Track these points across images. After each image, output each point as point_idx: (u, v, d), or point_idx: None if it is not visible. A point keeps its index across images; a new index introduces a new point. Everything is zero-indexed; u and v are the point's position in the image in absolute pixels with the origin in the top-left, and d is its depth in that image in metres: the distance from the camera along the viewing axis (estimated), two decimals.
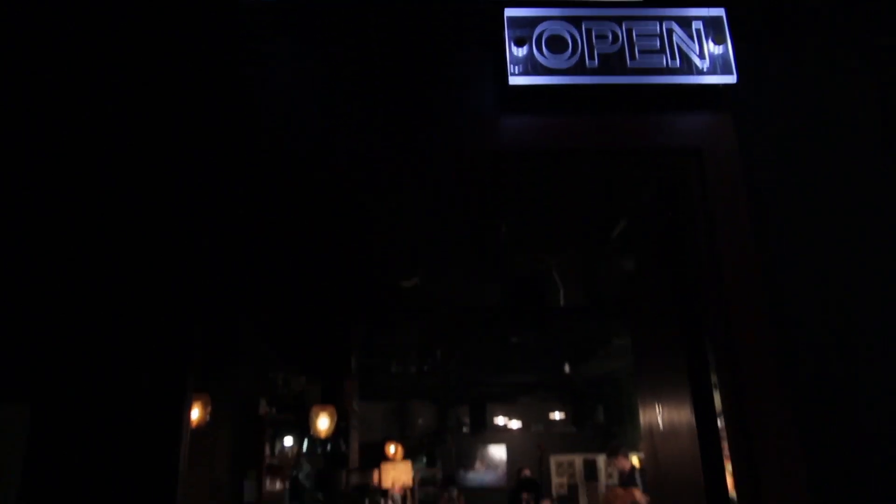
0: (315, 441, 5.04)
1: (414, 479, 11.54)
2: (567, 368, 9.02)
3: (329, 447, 5.00)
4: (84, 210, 1.67)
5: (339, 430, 4.94)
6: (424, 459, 11.93)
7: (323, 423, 4.19)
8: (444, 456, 12.27)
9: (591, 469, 9.44)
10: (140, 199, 1.69)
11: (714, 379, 1.96)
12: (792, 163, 1.84)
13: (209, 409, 3.58)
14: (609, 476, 9.41)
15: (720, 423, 1.95)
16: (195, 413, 3.39)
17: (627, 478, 7.83)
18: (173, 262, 1.64)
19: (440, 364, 9.97)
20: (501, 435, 12.34)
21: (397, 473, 9.00)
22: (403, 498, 8.55)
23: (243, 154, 1.81)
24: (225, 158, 1.78)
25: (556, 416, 11.46)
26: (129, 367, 1.57)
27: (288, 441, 5.02)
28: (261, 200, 3.23)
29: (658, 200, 2.03)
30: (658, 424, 2.37)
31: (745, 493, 1.63)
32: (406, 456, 10.21)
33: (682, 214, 1.92)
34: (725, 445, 1.85)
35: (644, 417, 2.56)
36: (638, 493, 7.45)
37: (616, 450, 8.24)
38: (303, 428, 4.97)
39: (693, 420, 1.98)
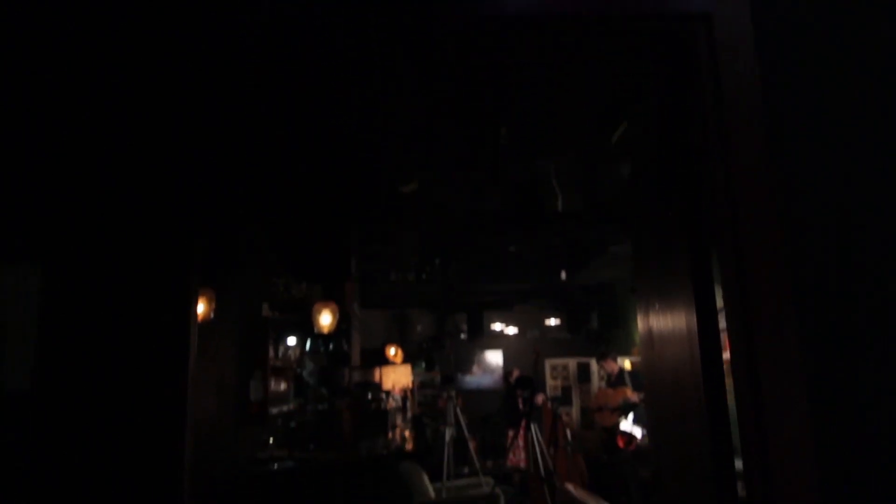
0: (318, 340, 5.21)
1: (413, 382, 12.00)
2: (563, 276, 9.19)
3: (331, 346, 5.18)
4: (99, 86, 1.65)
5: (340, 330, 5.10)
6: (423, 364, 12.35)
7: (325, 319, 4.32)
8: (442, 361, 12.67)
9: (584, 372, 9.82)
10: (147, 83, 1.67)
11: (716, 282, 1.90)
12: (808, 34, 1.65)
13: (213, 304, 3.68)
14: (601, 378, 9.79)
15: (721, 325, 1.87)
16: (200, 307, 3.48)
17: (616, 379, 8.18)
18: (177, 151, 1.65)
19: (439, 272, 10.14)
20: (498, 341, 12.71)
21: (397, 376, 9.34)
22: (404, 399, 8.89)
23: (234, 46, 1.78)
24: (217, 53, 1.74)
25: (552, 322, 11.78)
26: (138, 240, 1.60)
27: (291, 341, 5.19)
28: (259, 100, 3.20)
29: (662, 84, 1.97)
30: (656, 329, 2.32)
31: (745, 394, 1.59)
32: (406, 361, 10.55)
33: (688, 96, 1.83)
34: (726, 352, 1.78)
35: (642, 322, 2.50)
36: (629, 391, 7.79)
37: (605, 354, 8.57)
38: (305, 329, 5.12)
39: (694, 323, 1.94)
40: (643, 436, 6.19)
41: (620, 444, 6.47)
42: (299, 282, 5.70)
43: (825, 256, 1.49)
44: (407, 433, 5.29)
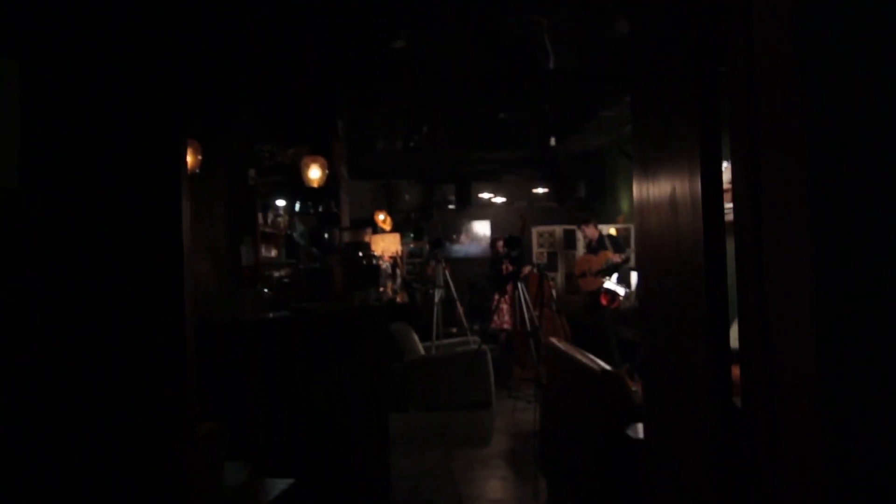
0: (307, 202, 5.21)
1: (402, 251, 12.21)
2: (553, 142, 9.10)
3: (321, 208, 5.19)
4: None
5: (329, 191, 5.09)
6: (412, 235, 12.49)
7: (314, 173, 4.28)
8: (430, 231, 12.80)
9: (570, 239, 9.97)
10: None
11: (724, 146, 1.77)
12: None
13: (199, 158, 3.62)
14: (585, 245, 9.97)
15: (725, 195, 1.78)
16: (189, 159, 3.43)
17: (597, 244, 8.36)
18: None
19: (426, 140, 10.00)
20: (485, 210, 12.81)
21: (386, 244, 9.46)
22: (393, 266, 9.05)
23: None
24: None
25: (539, 191, 11.82)
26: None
27: (280, 202, 5.18)
28: None
29: None
30: (654, 191, 2.27)
31: (746, 253, 1.53)
32: (394, 230, 10.64)
33: None
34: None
35: (638, 184, 2.44)
36: (610, 254, 8.00)
37: (587, 220, 8.68)
38: (294, 192, 5.10)
39: (697, 182, 1.86)
40: (626, 294, 6.42)
41: (603, 301, 6.72)
42: (286, 147, 5.60)
43: (840, 100, 1.33)
44: (399, 297, 5.45)
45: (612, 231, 9.39)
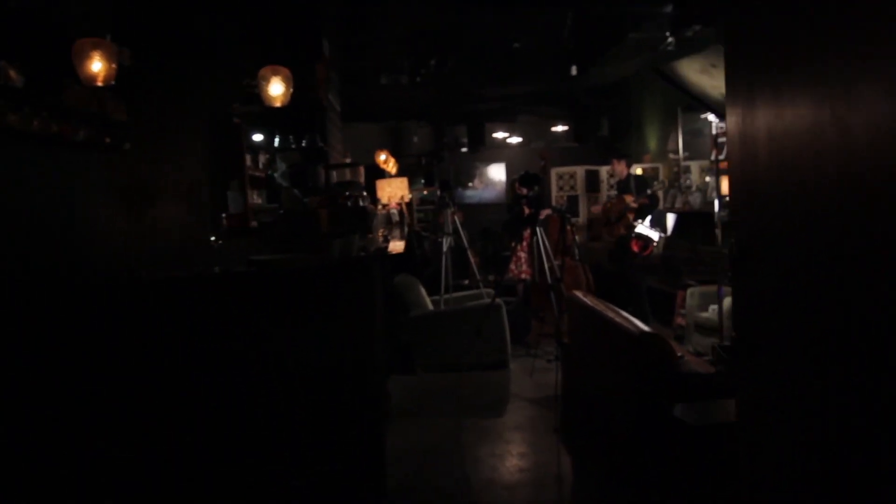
0: (288, 137, 4.47)
1: (411, 197, 11.49)
2: (573, 71, 8.19)
3: (304, 142, 4.46)
4: None
5: (313, 122, 4.35)
6: (423, 180, 11.74)
7: (275, 88, 3.51)
8: (441, 175, 12.05)
9: (592, 181, 9.17)
10: None
11: None
12: None
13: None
14: (611, 187, 9.15)
15: None
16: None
17: (623, 184, 7.55)
18: None
19: (434, 74, 9.13)
20: (500, 153, 11.97)
21: (393, 189, 8.73)
22: (400, 213, 8.36)
23: None
24: None
25: (559, 128, 10.91)
26: None
27: (258, 137, 4.45)
28: None
29: None
30: (757, 127, 1.87)
31: None
32: (403, 175, 9.90)
33: None
34: None
35: (732, 121, 2.04)
36: (629, 199, 7.21)
37: (620, 156, 7.84)
38: (272, 124, 4.37)
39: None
40: (660, 240, 5.65)
41: (635, 248, 5.95)
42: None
43: None
44: (401, 244, 4.74)
45: (639, 171, 8.58)
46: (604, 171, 9.03)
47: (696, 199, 7.40)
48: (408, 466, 3.65)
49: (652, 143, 9.30)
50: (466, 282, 6.96)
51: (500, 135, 11.33)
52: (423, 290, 5.94)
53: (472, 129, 11.50)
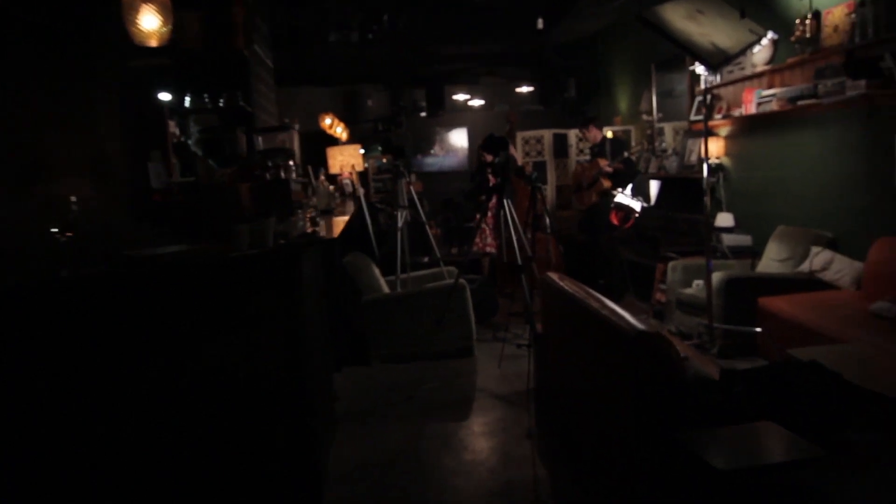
0: (202, 95, 3.72)
1: (370, 166, 10.73)
2: (540, 24, 7.50)
3: (222, 101, 3.71)
4: None
5: (235, 79, 3.61)
6: (379, 148, 10.98)
7: (148, 21, 2.70)
8: (399, 142, 11.32)
9: (561, 144, 8.56)
10: None
11: None
12: None
13: None
14: (580, 152, 8.57)
15: None
16: None
17: (598, 149, 7.00)
18: None
19: (387, 31, 8.34)
20: (462, 117, 11.26)
21: (345, 158, 8.01)
22: (352, 184, 7.66)
23: None
24: None
25: (523, 89, 10.23)
26: None
27: (165, 96, 3.69)
28: None
29: None
30: None
31: None
32: (358, 142, 9.16)
33: None
34: None
35: None
36: (603, 163, 6.66)
37: (588, 120, 7.31)
38: (183, 79, 3.61)
39: None
40: (641, 210, 5.06)
41: (615, 220, 5.38)
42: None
43: None
44: (342, 220, 4.05)
45: (609, 134, 8.02)
46: (572, 134, 8.43)
47: (672, 164, 6.87)
48: (355, 486, 3.05)
49: (623, 103, 8.72)
50: (426, 259, 6.34)
51: (461, 97, 10.60)
52: (376, 271, 5.30)
53: (431, 91, 10.75)
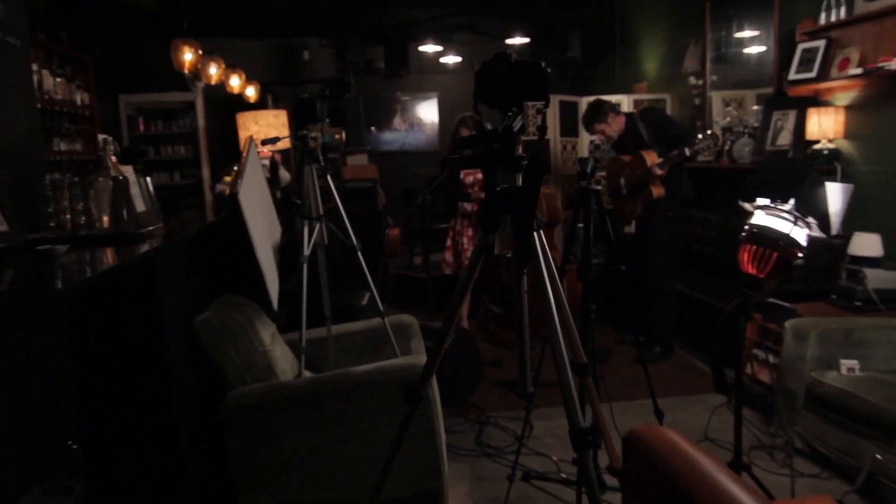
0: None
1: (317, 143, 8.34)
2: None
3: None
4: None
5: None
6: (327, 120, 8.53)
7: None
8: (351, 112, 8.93)
9: (569, 118, 6.24)
10: None
11: None
12: None
13: None
14: (594, 145, 6.18)
15: None
16: None
17: (632, 136, 4.55)
18: None
19: None
20: (432, 81, 8.83)
21: (262, 129, 5.56)
22: (272, 166, 5.27)
23: None
24: None
25: (515, 41, 7.78)
26: None
27: None
28: None
29: None
30: None
31: None
32: (298, 113, 6.71)
33: None
34: None
35: None
36: (651, 158, 4.32)
37: (607, 111, 4.59)
38: None
39: None
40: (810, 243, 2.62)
41: (748, 265, 2.77)
42: None
43: None
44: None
45: (625, 106, 5.75)
46: (583, 102, 6.00)
47: (742, 150, 4.58)
48: None
49: (650, 64, 6.41)
50: (367, 297, 3.95)
51: (429, 48, 8.12)
52: (268, 331, 2.86)
53: (390, 47, 8.26)
